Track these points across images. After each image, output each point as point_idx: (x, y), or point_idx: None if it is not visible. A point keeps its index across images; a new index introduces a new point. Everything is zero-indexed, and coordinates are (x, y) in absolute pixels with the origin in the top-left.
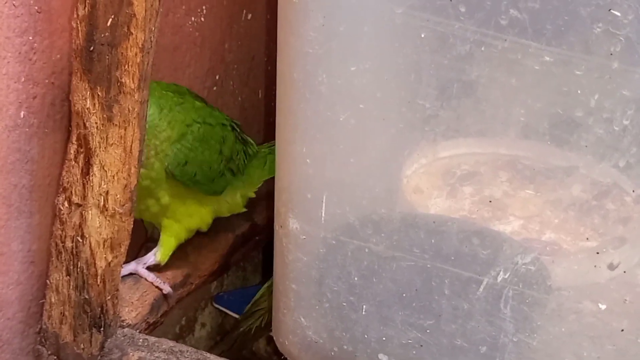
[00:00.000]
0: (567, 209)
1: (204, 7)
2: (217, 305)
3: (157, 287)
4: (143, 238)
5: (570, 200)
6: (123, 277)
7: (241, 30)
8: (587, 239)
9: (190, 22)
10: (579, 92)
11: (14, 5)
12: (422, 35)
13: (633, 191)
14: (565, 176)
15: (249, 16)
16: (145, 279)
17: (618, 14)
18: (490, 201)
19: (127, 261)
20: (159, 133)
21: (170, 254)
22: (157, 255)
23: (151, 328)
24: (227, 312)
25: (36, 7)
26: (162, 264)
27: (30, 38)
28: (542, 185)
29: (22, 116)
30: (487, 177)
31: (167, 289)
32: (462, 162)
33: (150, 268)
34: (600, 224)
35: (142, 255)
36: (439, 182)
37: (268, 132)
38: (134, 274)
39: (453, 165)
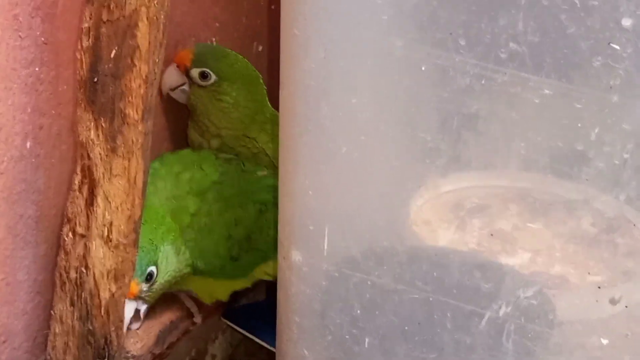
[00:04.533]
0: (576, 242)
1: (214, 39)
2: (225, 320)
3: (191, 313)
4: None
5: (579, 234)
6: None
7: (252, 62)
8: (589, 273)
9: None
10: (579, 125)
11: (20, 36)
12: (423, 68)
13: (634, 225)
14: (575, 209)
15: (260, 48)
16: (183, 302)
17: (617, 47)
18: (499, 234)
19: None
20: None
21: (212, 299)
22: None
23: (157, 359)
24: (236, 329)
25: (42, 39)
26: (207, 303)
27: (37, 69)
28: (552, 218)
29: (28, 147)
30: (497, 210)
31: (198, 319)
32: (472, 195)
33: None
34: (609, 257)
35: None
36: (449, 215)
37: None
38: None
39: (463, 198)
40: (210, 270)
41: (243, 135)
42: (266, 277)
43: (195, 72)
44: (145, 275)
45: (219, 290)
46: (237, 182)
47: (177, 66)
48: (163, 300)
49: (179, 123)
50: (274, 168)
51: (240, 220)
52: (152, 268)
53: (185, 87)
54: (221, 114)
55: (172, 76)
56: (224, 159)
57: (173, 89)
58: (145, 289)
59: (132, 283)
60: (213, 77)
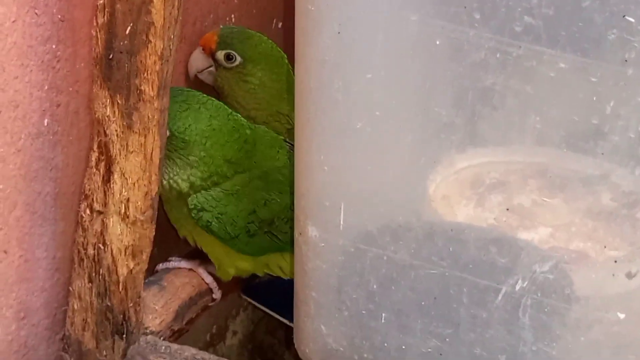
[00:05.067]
0: (594, 217)
1: (232, 16)
2: (245, 297)
3: (210, 288)
4: None
5: (598, 209)
6: (149, 282)
7: (271, 38)
8: (606, 247)
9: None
10: (594, 98)
11: (36, 14)
12: (437, 43)
13: None
14: (593, 184)
15: (279, 25)
16: (203, 279)
17: (632, 20)
18: (517, 210)
19: (192, 257)
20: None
21: (230, 276)
22: (218, 271)
23: (176, 335)
24: (255, 305)
25: (59, 16)
26: (224, 280)
27: (54, 46)
28: (570, 193)
29: (45, 124)
30: (516, 186)
31: (218, 295)
32: (491, 170)
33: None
34: (628, 232)
35: (208, 260)
36: (467, 191)
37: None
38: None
39: (482, 174)
40: (223, 233)
41: (277, 112)
42: (280, 274)
43: (220, 55)
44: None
45: (225, 260)
46: (288, 172)
47: (203, 49)
48: (182, 276)
49: None
50: None
51: (270, 203)
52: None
53: (212, 69)
54: (248, 95)
55: (198, 59)
56: (289, 146)
57: (200, 72)
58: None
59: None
60: (238, 59)
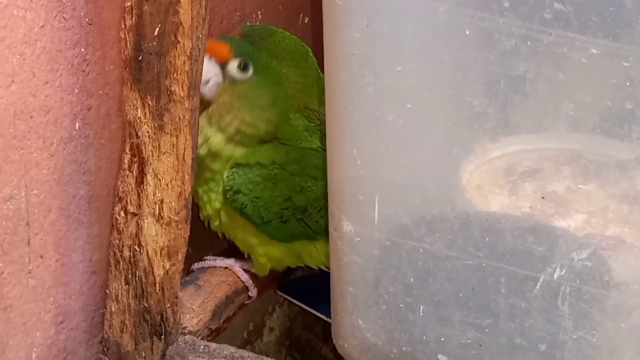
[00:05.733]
0: (630, 202)
1: (259, 12)
2: (280, 293)
3: (246, 286)
4: None
5: (633, 193)
6: (185, 282)
7: (298, 34)
8: None
9: None
10: (627, 83)
11: (64, 18)
12: (467, 32)
13: None
14: (627, 169)
15: (306, 20)
16: (239, 277)
17: None
18: (552, 197)
19: (227, 256)
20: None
21: (266, 270)
22: (255, 267)
23: (214, 334)
24: (291, 301)
25: (87, 19)
26: (261, 275)
27: (83, 50)
28: (604, 179)
29: (77, 128)
30: (550, 173)
31: (254, 292)
32: (524, 159)
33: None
34: None
35: (243, 257)
36: (501, 179)
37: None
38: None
39: (514, 162)
40: (256, 217)
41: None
42: (310, 262)
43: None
44: (241, 60)
45: (256, 247)
46: (323, 157)
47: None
48: (218, 275)
49: None
50: None
51: (306, 190)
52: (249, 61)
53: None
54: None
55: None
56: (322, 135)
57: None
58: (234, 68)
59: (224, 45)
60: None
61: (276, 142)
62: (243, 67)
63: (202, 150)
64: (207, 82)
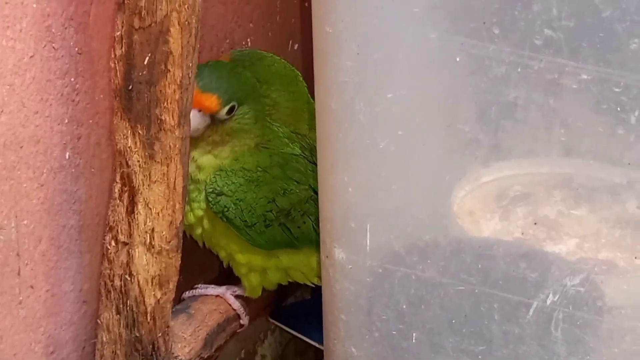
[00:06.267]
0: (622, 226)
1: (249, 40)
2: (272, 320)
3: (237, 314)
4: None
5: (625, 217)
6: (176, 311)
7: (288, 60)
8: (636, 257)
9: None
10: (618, 109)
11: (53, 47)
12: (457, 59)
13: None
14: (619, 193)
15: (296, 46)
16: (230, 305)
17: None
18: (543, 222)
19: (219, 284)
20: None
21: (258, 292)
22: (246, 290)
23: None
24: (284, 328)
25: (76, 49)
26: (254, 297)
27: (72, 79)
28: (596, 203)
29: (67, 157)
30: (541, 197)
31: (245, 320)
32: (515, 183)
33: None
34: None
35: (234, 284)
36: (492, 204)
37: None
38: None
39: (505, 187)
40: (238, 221)
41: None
42: (298, 278)
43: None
44: (230, 105)
45: (238, 255)
46: (305, 163)
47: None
48: (209, 303)
49: None
50: None
51: (289, 193)
52: (236, 104)
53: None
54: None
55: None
56: (300, 145)
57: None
58: (223, 114)
59: (212, 97)
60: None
61: (259, 146)
62: (230, 110)
63: (190, 166)
64: (197, 129)
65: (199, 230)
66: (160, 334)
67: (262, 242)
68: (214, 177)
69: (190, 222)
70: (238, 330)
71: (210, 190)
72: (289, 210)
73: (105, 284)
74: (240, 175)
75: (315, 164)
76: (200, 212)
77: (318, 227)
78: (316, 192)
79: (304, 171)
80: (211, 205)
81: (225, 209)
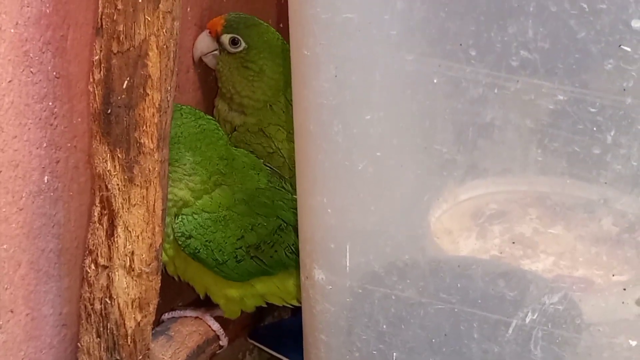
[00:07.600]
0: (598, 243)
1: None
2: (251, 341)
3: (217, 335)
4: None
5: (601, 235)
6: (156, 333)
7: None
8: (613, 274)
9: (211, 78)
10: (594, 129)
11: (31, 72)
12: (435, 81)
13: None
14: (594, 211)
15: None
16: (210, 326)
17: (628, 49)
18: (520, 240)
19: (197, 305)
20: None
21: (237, 313)
22: (225, 312)
23: None
24: (263, 348)
25: (54, 73)
26: (233, 318)
27: (50, 103)
28: (572, 220)
29: (46, 181)
30: (517, 215)
31: (224, 341)
32: (491, 201)
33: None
34: (633, 257)
35: (213, 305)
36: (468, 223)
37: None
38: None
39: (481, 205)
40: (210, 260)
41: (260, 131)
42: (276, 301)
43: (225, 38)
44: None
45: (214, 288)
46: (271, 195)
47: (209, 32)
48: (188, 324)
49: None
50: (289, 171)
51: (257, 227)
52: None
53: (216, 52)
54: (245, 81)
55: (204, 42)
56: (270, 170)
57: (205, 54)
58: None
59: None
60: (242, 45)
61: (222, 186)
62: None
63: None
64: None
65: (172, 268)
66: (140, 357)
67: (235, 276)
68: (181, 220)
69: (164, 260)
70: (217, 352)
71: (180, 234)
72: (259, 244)
73: (86, 307)
74: (206, 217)
75: (285, 188)
76: (172, 252)
77: (290, 252)
78: (285, 221)
79: (271, 204)
80: (182, 248)
81: (196, 251)
